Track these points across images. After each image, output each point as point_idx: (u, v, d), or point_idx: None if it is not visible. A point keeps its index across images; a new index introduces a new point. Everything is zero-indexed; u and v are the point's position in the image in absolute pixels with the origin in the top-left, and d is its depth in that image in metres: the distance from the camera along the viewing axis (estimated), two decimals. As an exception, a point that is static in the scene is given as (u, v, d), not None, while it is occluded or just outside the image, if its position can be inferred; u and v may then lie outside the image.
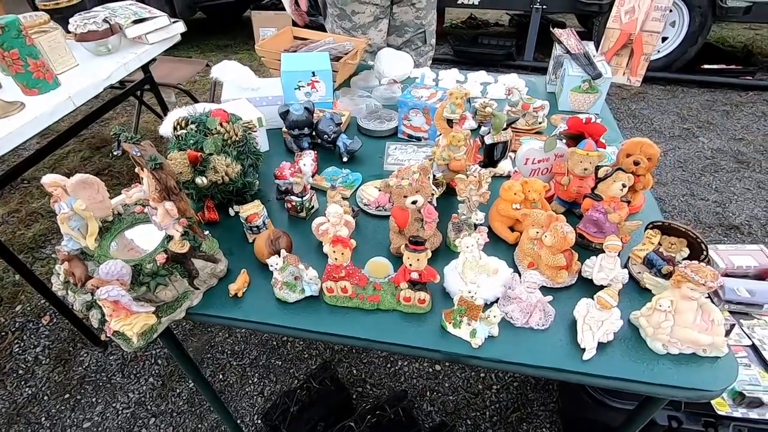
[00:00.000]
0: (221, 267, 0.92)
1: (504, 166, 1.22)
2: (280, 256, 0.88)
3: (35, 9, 1.97)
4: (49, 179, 0.82)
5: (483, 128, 1.18)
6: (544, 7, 4.61)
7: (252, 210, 0.99)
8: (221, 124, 1.00)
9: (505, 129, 1.15)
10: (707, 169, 3.07)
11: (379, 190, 1.15)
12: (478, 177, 0.98)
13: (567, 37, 1.57)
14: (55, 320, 2.13)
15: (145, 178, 0.83)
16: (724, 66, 4.27)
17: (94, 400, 1.84)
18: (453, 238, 0.99)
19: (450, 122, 1.07)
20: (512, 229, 1.03)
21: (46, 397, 1.84)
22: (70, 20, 1.71)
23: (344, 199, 1.10)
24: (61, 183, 0.83)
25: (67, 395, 1.85)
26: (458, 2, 4.45)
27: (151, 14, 1.88)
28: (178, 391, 1.87)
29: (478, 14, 6.26)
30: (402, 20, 2.25)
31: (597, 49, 3.04)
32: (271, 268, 0.86)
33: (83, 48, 1.76)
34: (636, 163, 0.98)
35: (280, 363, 1.98)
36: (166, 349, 1.99)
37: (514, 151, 1.25)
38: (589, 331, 0.78)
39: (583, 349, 0.78)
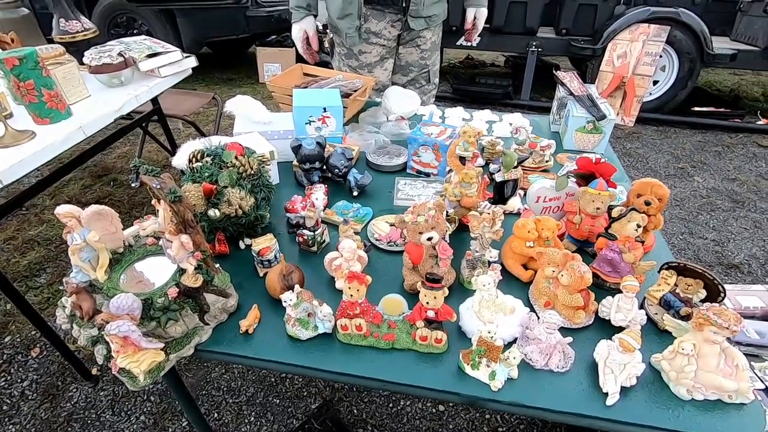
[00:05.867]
0: (232, 302, 0.90)
1: (513, 204, 1.23)
2: (293, 291, 0.86)
3: (50, 42, 2.02)
4: (63, 210, 0.81)
5: (492, 166, 1.20)
6: (539, 49, 4.80)
7: (264, 244, 0.98)
8: (236, 157, 1.01)
9: (515, 167, 1.16)
10: (704, 207, 3.11)
11: (391, 225, 1.15)
12: (492, 214, 0.98)
13: (570, 80, 1.62)
14: (45, 353, 2.05)
15: (162, 210, 0.82)
16: (713, 109, 4.42)
17: (80, 439, 1.74)
18: (467, 275, 0.99)
19: (463, 159, 1.09)
20: (525, 266, 1.03)
21: (30, 436, 1.75)
22: (86, 53, 1.75)
23: (355, 233, 1.10)
24: (76, 214, 0.82)
25: (52, 434, 1.76)
26: (457, 43, 4.62)
27: (165, 49, 1.93)
28: (170, 430, 1.78)
29: (475, 54, 6.50)
30: (407, 60, 2.32)
31: None
32: (284, 304, 0.85)
33: (96, 79, 1.79)
34: (647, 204, 0.99)
35: (278, 401, 1.90)
36: (161, 386, 1.92)
37: (524, 189, 1.27)
38: (611, 374, 0.76)
39: (605, 394, 0.76)
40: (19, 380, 1.94)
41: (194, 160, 1.01)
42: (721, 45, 4.23)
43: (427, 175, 1.39)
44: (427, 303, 0.81)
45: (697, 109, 4.43)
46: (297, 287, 0.86)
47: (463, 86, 5.11)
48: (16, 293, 1.66)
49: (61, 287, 2.33)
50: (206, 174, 0.98)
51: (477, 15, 2.33)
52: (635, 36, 4.30)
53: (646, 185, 1.00)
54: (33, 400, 1.87)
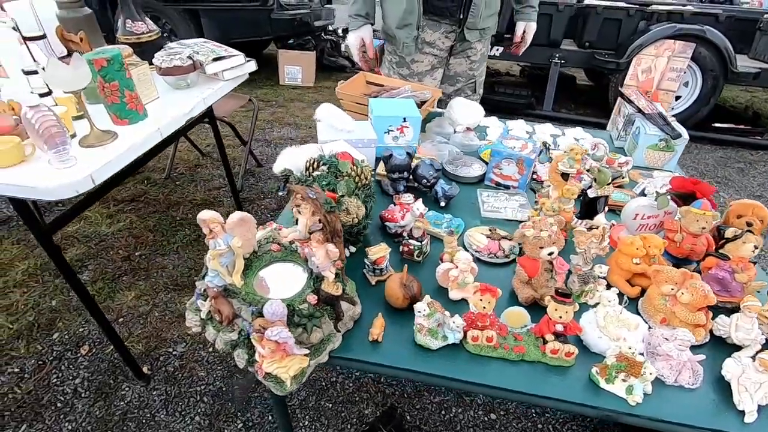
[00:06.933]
0: (358, 310, 0.92)
1: (600, 220, 1.25)
2: (422, 301, 0.88)
3: (110, 43, 2.03)
4: (208, 216, 0.83)
5: (583, 182, 1.22)
6: (562, 61, 4.87)
7: (380, 253, 1.00)
8: (352, 167, 1.03)
9: (608, 184, 1.19)
10: (732, 223, 3.16)
11: (488, 237, 1.17)
12: (602, 231, 1.01)
13: (637, 98, 1.66)
14: (94, 350, 2.05)
15: (303, 219, 0.84)
16: (733, 126, 4.49)
17: (137, 438, 1.75)
18: (576, 290, 1.01)
19: (565, 175, 1.11)
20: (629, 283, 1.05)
21: (86, 434, 1.75)
22: (156, 55, 1.77)
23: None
24: (219, 220, 0.83)
25: (108, 432, 1.76)
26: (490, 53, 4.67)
27: (228, 53, 1.95)
28: (226, 432, 1.79)
29: (489, 63, 6.57)
30: (456, 70, 2.36)
31: (614, 105, 3.20)
32: (417, 314, 0.87)
33: (163, 81, 1.81)
34: (749, 225, 1.02)
35: (330, 405, 1.91)
36: (213, 387, 1.93)
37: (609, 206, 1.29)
38: (745, 392, 0.78)
39: (741, 411, 0.78)
40: (70, 377, 1.94)
41: (311, 168, 1.02)
42: (741, 63, 4.30)
43: (507, 187, 1.42)
44: (560, 317, 0.84)
45: (717, 125, 4.49)
46: (427, 297, 0.88)
47: (486, 95, 5.15)
48: (82, 288, 1.66)
49: (101, 284, 2.33)
50: (324, 183, 1.00)
51: (527, 29, 2.37)
52: (660, 51, 4.36)
53: (746, 206, 1.03)
54: (86, 398, 1.87)
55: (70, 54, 1.78)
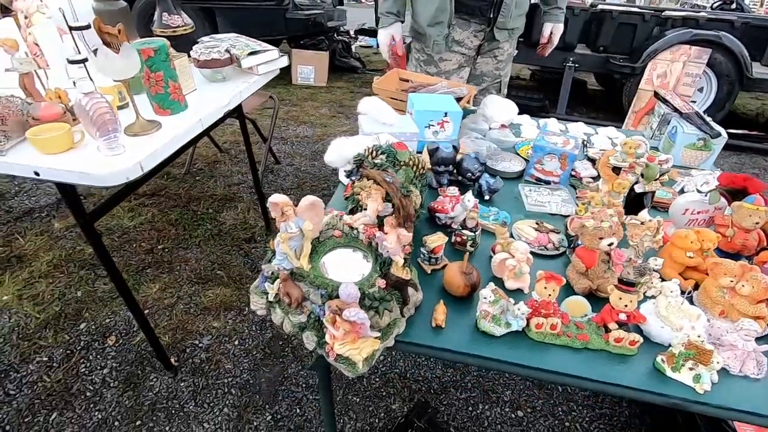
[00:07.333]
0: (420, 296, 0.93)
1: (644, 215, 1.26)
2: (473, 289, 0.89)
3: (143, 35, 2.05)
4: (281, 199, 0.83)
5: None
6: (576, 65, 4.88)
7: (438, 242, 1.00)
8: (411, 157, 1.04)
9: (656, 180, 1.20)
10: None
11: (537, 230, 1.18)
12: (657, 224, 1.02)
13: (672, 97, 1.67)
14: (121, 341, 2.06)
15: (373, 204, 0.85)
16: (748, 131, 4.50)
17: (167, 428, 1.75)
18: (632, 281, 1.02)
19: (616, 169, 1.12)
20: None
21: (117, 423, 1.75)
22: (194, 47, 1.79)
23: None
24: (291, 204, 0.85)
25: (138, 422, 1.76)
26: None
27: (262, 47, 1.97)
28: (255, 424, 1.79)
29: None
30: (482, 70, 2.38)
31: (629, 108, 3.19)
32: (482, 300, 0.87)
33: (200, 73, 1.82)
34: (801, 220, 1.03)
35: (357, 399, 1.92)
36: (240, 379, 1.93)
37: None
38: (813, 381, 0.79)
39: (808, 400, 0.79)
40: (98, 367, 1.94)
41: (370, 157, 1.03)
42: (756, 70, 4.32)
43: (547, 182, 1.43)
44: (625, 306, 0.85)
45: (731, 131, 4.50)
46: (491, 284, 0.89)
47: (500, 96, 5.17)
48: (119, 277, 1.65)
49: (126, 276, 2.34)
50: (384, 166, 1.01)
51: (554, 30, 2.38)
52: (676, 56, 4.35)
53: (798, 202, 1.04)
54: (115, 387, 1.87)
55: (107, 46, 1.80)
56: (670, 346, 0.85)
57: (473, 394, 1.95)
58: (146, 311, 2.18)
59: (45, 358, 1.95)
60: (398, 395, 1.94)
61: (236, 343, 2.08)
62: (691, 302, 0.98)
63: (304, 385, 1.96)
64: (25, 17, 1.71)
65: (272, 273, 0.87)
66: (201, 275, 2.42)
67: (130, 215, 2.83)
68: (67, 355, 1.97)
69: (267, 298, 0.88)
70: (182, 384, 1.92)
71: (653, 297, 0.96)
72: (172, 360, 1.98)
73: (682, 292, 0.92)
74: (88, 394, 1.84)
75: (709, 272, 0.97)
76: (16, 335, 2.03)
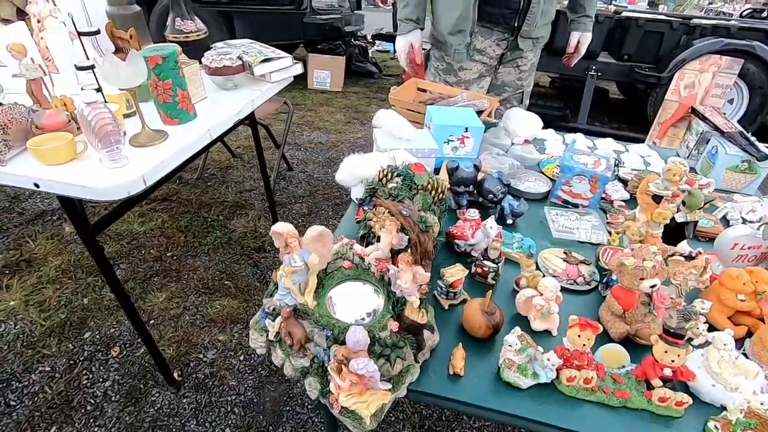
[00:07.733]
0: (437, 338, 0.84)
1: (683, 247, 1.15)
2: (496, 330, 0.80)
3: (156, 41, 2.01)
4: (286, 229, 0.75)
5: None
6: (598, 74, 4.74)
7: (458, 275, 0.91)
8: (429, 181, 0.95)
9: (700, 208, 1.09)
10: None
11: (565, 261, 1.08)
12: (705, 261, 0.91)
13: (712, 114, 1.55)
14: (125, 353, 2.01)
15: (386, 237, 0.76)
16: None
17: (167, 448, 1.69)
18: (675, 328, 0.91)
19: (657, 198, 1.01)
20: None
21: (116, 440, 1.69)
22: (206, 54, 1.73)
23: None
24: (296, 234, 0.76)
25: (138, 440, 1.70)
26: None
27: (275, 54, 1.91)
28: (257, 447, 1.72)
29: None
30: (504, 80, 2.28)
31: (653, 119, 3.03)
32: (507, 348, 0.78)
33: (212, 81, 1.77)
34: None
35: (365, 424, 1.83)
36: (243, 398, 1.86)
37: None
38: None
39: None
40: (101, 379, 1.89)
41: (385, 179, 0.95)
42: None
43: (575, 206, 1.32)
44: (672, 361, 0.74)
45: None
46: (518, 329, 0.79)
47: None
48: (121, 289, 1.60)
49: (133, 284, 2.29)
50: (399, 197, 0.92)
51: (581, 39, 2.27)
52: (705, 66, 4.16)
53: None
54: (116, 401, 1.82)
55: (118, 51, 1.76)
56: (723, 408, 0.74)
57: (487, 424, 1.84)
58: (151, 321, 2.13)
59: (48, 368, 1.90)
60: (407, 421, 1.84)
61: (241, 358, 2.01)
62: (743, 353, 0.87)
63: (309, 407, 1.87)
64: (38, 21, 1.67)
65: (273, 309, 0.79)
66: (208, 285, 2.36)
67: (141, 220, 2.80)
68: (69, 366, 1.92)
69: (267, 336, 0.80)
70: (185, 401, 1.85)
71: (700, 346, 0.85)
72: (176, 374, 1.91)
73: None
74: (88, 408, 1.79)
75: (766, 318, 0.85)
76: (20, 343, 1.99)
